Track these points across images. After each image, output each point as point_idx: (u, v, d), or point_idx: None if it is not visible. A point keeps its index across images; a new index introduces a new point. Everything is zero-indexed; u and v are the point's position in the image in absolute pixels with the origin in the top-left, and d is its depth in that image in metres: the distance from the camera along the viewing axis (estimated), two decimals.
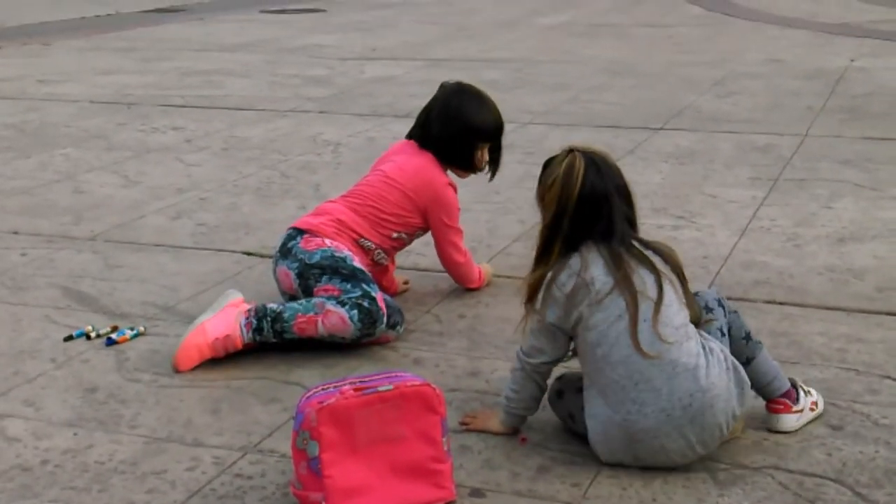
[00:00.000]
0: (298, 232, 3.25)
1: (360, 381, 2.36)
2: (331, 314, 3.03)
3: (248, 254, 4.05)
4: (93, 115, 6.73)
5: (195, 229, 4.38)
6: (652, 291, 2.43)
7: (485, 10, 12.84)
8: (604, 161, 2.53)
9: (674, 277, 2.50)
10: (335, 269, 3.13)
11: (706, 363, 2.43)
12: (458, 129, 3.36)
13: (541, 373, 2.56)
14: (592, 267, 2.44)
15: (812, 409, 2.65)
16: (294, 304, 3.09)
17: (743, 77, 7.76)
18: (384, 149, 5.58)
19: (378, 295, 3.10)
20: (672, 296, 2.46)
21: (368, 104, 6.93)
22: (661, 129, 6.08)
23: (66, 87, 7.72)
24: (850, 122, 6.15)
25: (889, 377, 2.92)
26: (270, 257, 3.99)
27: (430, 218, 3.38)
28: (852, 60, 8.35)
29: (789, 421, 2.60)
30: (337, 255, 3.16)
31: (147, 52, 9.49)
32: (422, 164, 3.36)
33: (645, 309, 2.41)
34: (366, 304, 3.05)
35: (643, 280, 2.44)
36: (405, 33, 10.74)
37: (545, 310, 2.49)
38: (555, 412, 2.64)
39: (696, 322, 2.53)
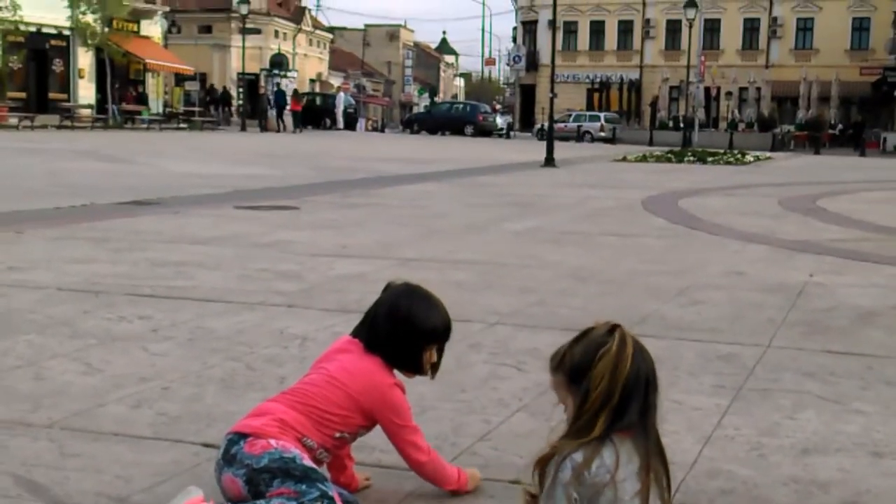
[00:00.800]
0: (240, 436, 3.15)
1: None
2: None
3: (208, 445, 3.98)
4: (59, 303, 6.71)
5: (155, 419, 4.32)
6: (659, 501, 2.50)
7: (454, 215, 13.14)
8: (643, 346, 2.63)
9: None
10: (286, 471, 3.04)
11: None
12: (407, 333, 3.30)
13: None
14: (624, 467, 2.45)
15: None
16: None
17: (706, 288, 7.92)
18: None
19: (335, 494, 3.05)
20: None
21: (337, 300, 6.98)
22: None
23: (34, 274, 7.74)
24: (811, 335, 6.26)
25: None
26: None
27: (380, 420, 3.32)
28: (811, 275, 8.57)
29: None
30: (285, 455, 3.07)
31: (119, 243, 9.58)
32: (367, 367, 3.31)
33: None
34: None
35: (654, 491, 2.49)
36: (375, 233, 10.94)
37: (570, 488, 2.45)
38: None
39: None
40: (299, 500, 2.97)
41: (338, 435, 3.28)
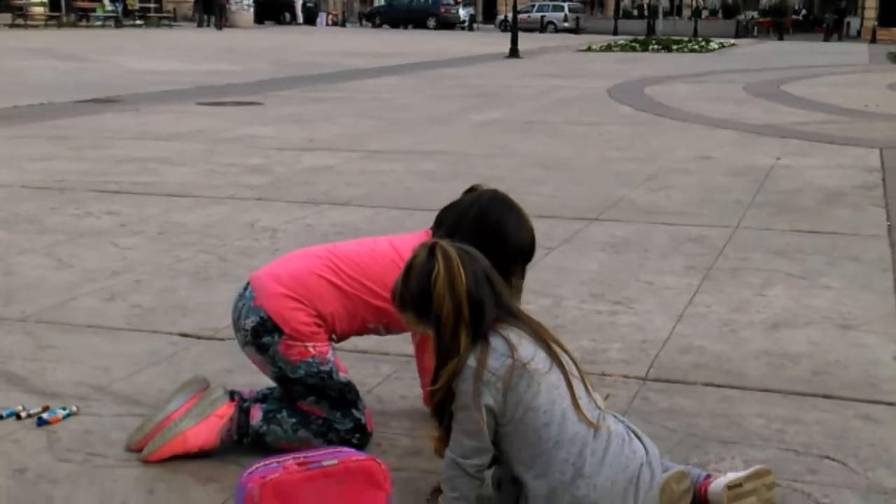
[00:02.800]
0: (275, 326, 2.83)
1: (304, 457, 2.33)
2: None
3: (184, 335, 3.99)
4: (24, 200, 6.63)
5: (129, 311, 4.31)
6: (575, 368, 2.49)
7: (418, 107, 13.02)
8: (467, 247, 2.55)
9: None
10: (322, 390, 2.88)
11: (625, 429, 2.50)
12: (500, 247, 2.84)
13: (482, 470, 2.47)
14: (521, 347, 2.42)
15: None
16: (278, 430, 2.89)
17: (674, 173, 7.94)
18: (323, 235, 5.68)
19: (366, 419, 2.93)
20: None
21: (306, 192, 6.94)
22: (596, 219, 6.17)
23: None
24: (778, 215, 6.31)
25: (827, 457, 2.95)
26: (207, 339, 3.96)
27: None
28: (778, 158, 8.61)
29: (719, 480, 2.59)
30: (322, 370, 2.86)
31: (80, 141, 9.43)
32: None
33: (575, 382, 2.45)
34: (355, 440, 2.87)
35: (561, 356, 2.48)
36: (341, 126, 10.84)
37: (479, 399, 2.40)
38: (496, 497, 2.61)
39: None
40: (327, 423, 2.87)
41: (371, 325, 2.97)
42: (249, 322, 2.87)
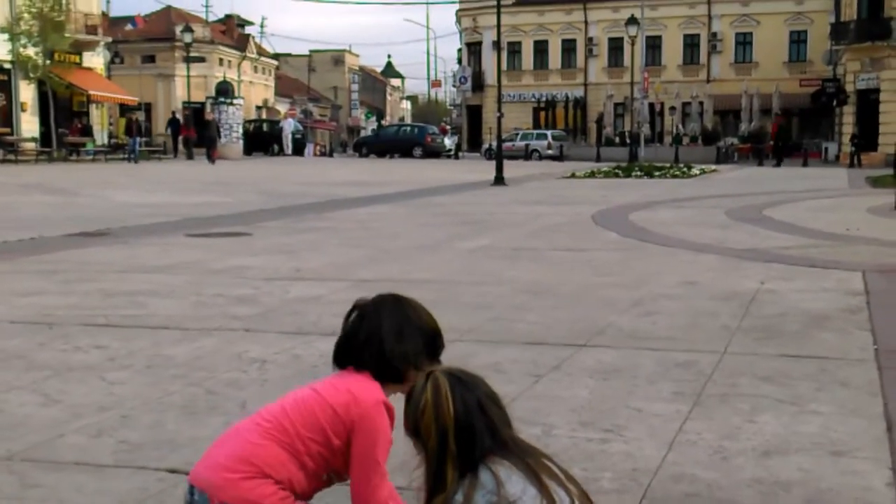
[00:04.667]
0: None
1: None
2: None
3: (173, 471, 3.95)
4: (12, 336, 6.62)
5: (117, 447, 4.27)
6: (564, 501, 2.43)
7: (406, 235, 13.16)
8: (464, 373, 2.55)
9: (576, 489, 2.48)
10: None
11: None
12: (409, 342, 2.94)
13: None
14: (510, 484, 2.38)
15: None
16: None
17: (660, 298, 8.00)
18: (311, 365, 5.67)
19: None
20: None
21: (294, 322, 6.96)
22: (584, 346, 6.19)
23: None
24: (765, 340, 6.35)
25: None
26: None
27: (353, 443, 2.84)
28: (762, 283, 8.69)
29: None
30: None
31: (69, 275, 9.47)
32: (354, 379, 2.91)
33: None
34: None
35: (556, 492, 2.41)
36: (330, 255, 10.92)
37: None
38: None
39: None
40: None
41: (324, 476, 2.92)
42: None
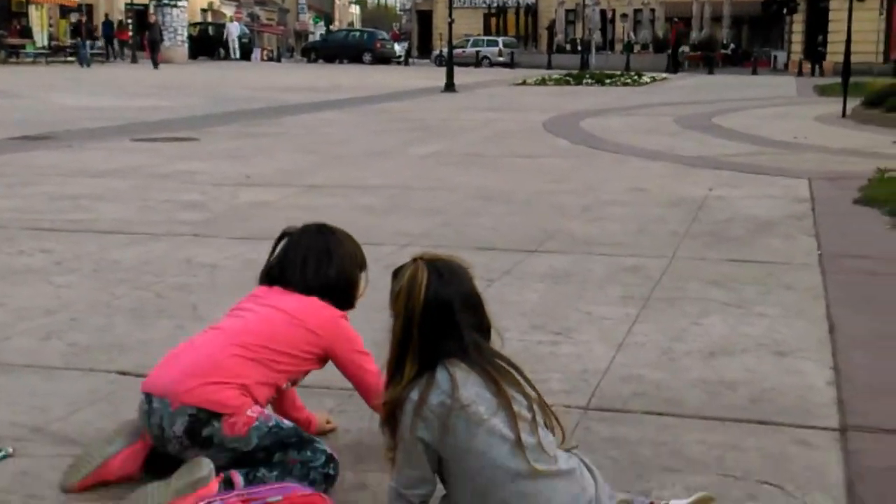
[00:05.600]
0: (210, 415, 2.81)
1: (248, 493, 2.31)
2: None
3: (123, 373, 3.94)
4: None
5: (66, 350, 4.24)
6: (526, 411, 2.42)
7: (357, 141, 13.05)
8: (448, 269, 2.52)
9: (534, 395, 2.48)
10: (281, 442, 2.84)
11: (578, 468, 2.46)
12: (341, 271, 3.17)
13: (426, 501, 2.47)
14: (466, 387, 2.39)
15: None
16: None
17: (610, 204, 8.04)
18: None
19: (329, 449, 2.91)
20: (542, 418, 2.46)
21: (244, 228, 6.91)
22: (535, 251, 6.22)
23: None
24: (713, 245, 6.42)
25: (766, 482, 2.99)
26: (146, 377, 3.89)
27: (339, 353, 3.07)
28: (711, 190, 8.76)
29: None
30: (270, 425, 2.84)
31: (13, 178, 9.29)
32: (315, 303, 3.10)
33: (524, 427, 2.39)
34: (331, 471, 2.85)
35: (516, 399, 2.41)
36: (279, 161, 10.82)
37: (416, 432, 2.40)
38: None
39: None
40: (305, 466, 2.82)
41: (286, 385, 3.07)
42: (179, 427, 2.82)
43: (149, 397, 2.90)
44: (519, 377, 2.49)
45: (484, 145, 12.77)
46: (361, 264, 3.28)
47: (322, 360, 3.10)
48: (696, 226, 7.10)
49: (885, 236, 6.84)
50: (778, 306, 4.99)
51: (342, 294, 3.20)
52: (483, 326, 2.54)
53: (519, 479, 2.37)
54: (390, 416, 2.47)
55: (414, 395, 2.41)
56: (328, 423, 3.36)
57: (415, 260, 2.52)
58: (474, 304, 2.52)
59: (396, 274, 2.55)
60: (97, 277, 5.53)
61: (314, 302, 3.09)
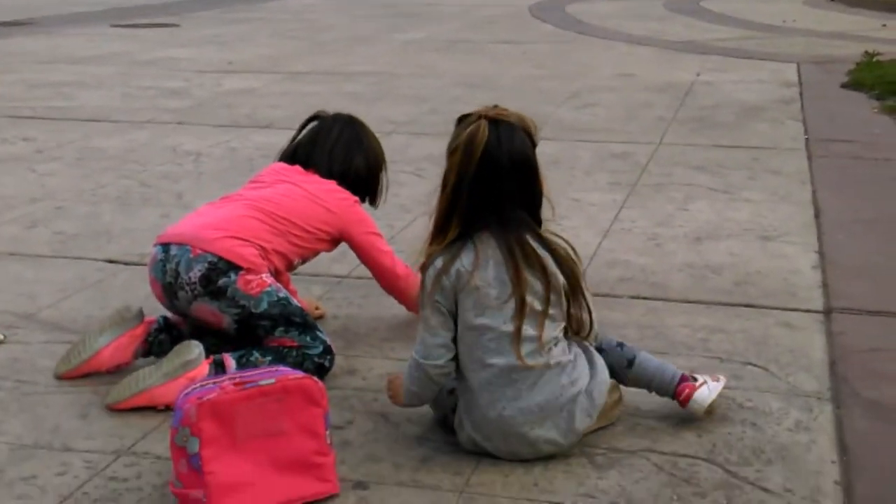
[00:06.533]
0: (229, 265, 2.83)
1: (241, 377, 2.33)
2: None
3: (111, 261, 3.94)
4: None
5: (52, 238, 4.23)
6: (538, 303, 2.40)
7: (341, 27, 12.83)
8: (509, 132, 2.41)
9: (563, 283, 2.44)
10: (287, 317, 2.86)
11: (573, 360, 2.48)
12: (369, 161, 3.23)
13: (445, 374, 2.48)
14: (484, 268, 2.38)
15: (715, 380, 2.69)
16: None
17: (597, 90, 7.97)
18: (247, 159, 5.60)
19: (329, 340, 2.92)
20: (556, 309, 2.44)
21: (228, 115, 6.83)
22: None
23: None
24: (700, 130, 6.40)
25: (751, 364, 3.04)
26: (134, 264, 3.90)
27: (354, 236, 3.10)
28: (698, 75, 8.69)
29: (703, 393, 2.62)
30: (281, 296, 2.87)
31: None
32: (333, 186, 3.13)
33: (530, 320, 2.39)
34: (327, 363, 2.87)
35: (532, 288, 2.39)
36: (262, 47, 10.64)
37: (434, 297, 2.41)
38: (432, 409, 2.64)
39: (578, 332, 2.52)
40: (301, 352, 2.85)
41: (297, 262, 3.10)
42: (196, 273, 2.84)
43: (166, 246, 2.92)
44: (550, 261, 2.42)
45: (469, 31, 12.58)
46: (384, 164, 3.32)
47: (335, 241, 3.13)
48: (684, 111, 7.05)
49: (872, 120, 6.82)
50: (764, 191, 4.99)
51: (364, 185, 3.25)
52: (535, 196, 2.47)
53: (509, 366, 2.40)
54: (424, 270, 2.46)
55: (438, 262, 2.41)
56: (317, 308, 3.38)
57: (479, 116, 2.43)
58: (528, 173, 2.43)
59: (461, 121, 2.47)
60: (81, 166, 5.48)
61: (332, 184, 3.14)
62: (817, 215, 4.61)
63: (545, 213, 2.53)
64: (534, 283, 2.40)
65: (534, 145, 2.48)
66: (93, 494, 2.30)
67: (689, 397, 2.63)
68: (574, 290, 2.47)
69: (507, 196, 2.40)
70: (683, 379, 2.65)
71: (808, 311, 3.49)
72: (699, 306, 3.52)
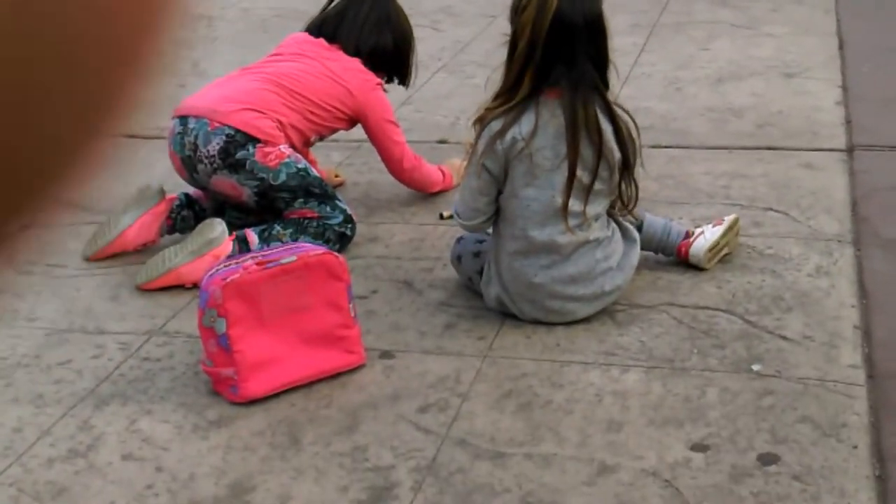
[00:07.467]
0: (247, 138, 2.83)
1: (263, 256, 2.36)
2: None
3: (130, 136, 3.94)
4: None
5: None
6: (587, 176, 2.39)
7: None
8: None
9: (618, 158, 2.42)
10: (306, 188, 2.86)
11: (610, 236, 2.49)
12: (400, 37, 3.14)
13: (480, 229, 2.53)
14: (541, 134, 2.36)
15: (718, 224, 2.71)
16: (279, 245, 2.75)
17: None
18: (261, 20, 5.52)
19: (350, 209, 2.94)
20: (603, 184, 2.42)
21: None
22: None
23: None
24: None
25: (771, 209, 3.04)
26: (154, 138, 3.90)
27: (371, 119, 3.05)
28: None
29: (699, 243, 2.65)
30: (300, 167, 2.87)
31: None
32: (357, 66, 3.05)
33: (577, 193, 2.38)
34: (349, 231, 2.89)
35: (584, 160, 2.37)
36: None
37: (484, 160, 2.40)
38: (457, 273, 2.68)
39: (625, 205, 2.52)
40: (322, 223, 2.86)
41: (313, 138, 3.09)
42: (214, 146, 2.84)
43: (184, 119, 2.92)
44: (610, 134, 2.40)
45: None
46: (413, 44, 3.21)
47: (351, 121, 3.09)
48: None
49: None
50: (787, 24, 4.88)
51: (392, 65, 3.17)
52: (602, 58, 2.43)
53: (548, 240, 2.41)
54: (481, 126, 2.44)
55: (495, 125, 2.39)
56: (336, 176, 3.39)
57: None
58: (599, 33, 2.40)
59: None
60: None
61: (356, 63, 3.05)
62: (841, 46, 4.51)
63: (611, 77, 2.49)
64: (587, 154, 2.38)
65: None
66: (128, 375, 2.38)
67: (688, 253, 2.65)
68: (628, 167, 2.46)
69: (581, 53, 2.35)
70: (686, 236, 2.67)
71: (830, 150, 3.45)
72: (720, 152, 3.49)
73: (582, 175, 2.39)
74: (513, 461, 1.99)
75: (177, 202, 3.04)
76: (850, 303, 2.50)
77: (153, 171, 3.47)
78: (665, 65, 4.41)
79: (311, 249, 2.37)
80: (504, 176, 2.42)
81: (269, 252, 2.39)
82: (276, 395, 2.25)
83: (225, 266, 2.34)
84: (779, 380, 2.20)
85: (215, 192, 2.99)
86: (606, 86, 2.46)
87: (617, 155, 2.42)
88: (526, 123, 2.37)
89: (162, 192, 3.01)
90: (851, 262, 2.70)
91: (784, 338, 2.36)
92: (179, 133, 2.91)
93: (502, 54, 2.44)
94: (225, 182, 2.89)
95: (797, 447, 1.97)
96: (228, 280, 2.26)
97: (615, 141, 2.42)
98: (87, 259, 2.94)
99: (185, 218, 3.03)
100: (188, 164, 2.92)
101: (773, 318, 2.44)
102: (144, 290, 2.76)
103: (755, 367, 2.25)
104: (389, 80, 3.21)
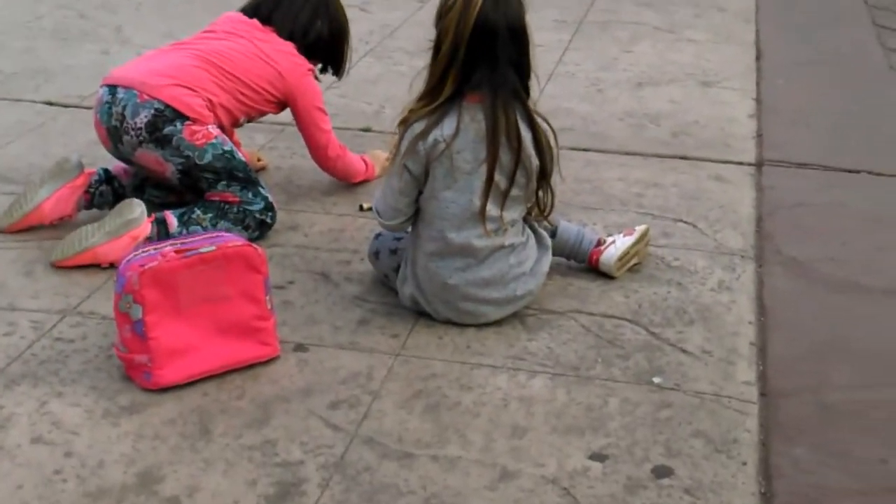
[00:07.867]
0: (176, 114, 2.83)
1: (182, 244, 2.37)
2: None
3: (51, 104, 3.90)
4: None
5: None
6: (504, 181, 2.43)
7: None
8: None
9: (536, 165, 2.46)
10: (230, 171, 2.87)
11: (525, 242, 2.55)
12: (336, 25, 3.16)
13: (398, 230, 2.57)
14: (462, 137, 2.39)
15: (629, 234, 2.80)
16: (198, 230, 2.81)
17: None
18: None
19: (271, 197, 2.95)
20: (520, 190, 2.47)
21: None
22: None
23: None
24: None
25: (681, 220, 3.13)
26: (74, 107, 3.86)
27: (300, 105, 3.06)
28: None
29: (609, 252, 2.73)
30: (226, 149, 2.88)
31: None
32: (289, 49, 3.06)
33: (494, 198, 2.43)
34: (268, 219, 2.91)
35: (502, 165, 2.42)
36: None
37: (406, 161, 2.44)
38: (373, 268, 2.72)
39: (541, 212, 2.56)
40: (242, 209, 2.87)
41: (242, 120, 3.07)
42: (142, 118, 2.82)
43: (112, 89, 2.90)
44: (529, 142, 2.44)
45: None
46: (348, 35, 3.23)
47: (281, 105, 3.09)
48: None
49: None
50: (708, 30, 5.01)
51: (325, 53, 3.18)
52: (524, 65, 2.45)
53: (465, 243, 2.46)
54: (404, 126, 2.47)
55: (417, 126, 2.42)
56: (259, 160, 3.40)
57: None
58: (521, 39, 2.42)
59: None
60: None
61: (289, 47, 3.06)
62: (759, 57, 4.65)
63: (532, 86, 2.52)
64: (505, 160, 2.42)
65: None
66: (40, 356, 2.37)
67: (598, 261, 2.74)
68: (545, 174, 2.51)
69: (503, 57, 2.39)
70: (598, 244, 2.75)
71: (740, 163, 3.57)
72: (636, 158, 3.59)
73: (499, 180, 2.44)
74: (419, 462, 2.05)
75: (95, 177, 3.02)
76: (749, 319, 2.61)
77: (74, 141, 3.45)
78: (589, 64, 4.49)
79: (230, 240, 2.39)
80: (425, 177, 2.47)
81: (189, 240, 2.40)
82: (189, 384, 2.27)
83: (143, 252, 2.35)
84: (677, 393, 2.29)
85: (139, 166, 2.98)
86: (528, 93, 2.49)
87: (535, 162, 2.47)
88: (448, 125, 2.41)
89: (81, 166, 2.99)
90: (752, 278, 2.81)
91: (684, 351, 2.46)
92: (107, 102, 2.89)
93: (430, 40, 2.46)
94: (149, 156, 2.88)
95: (690, 461, 2.07)
96: (146, 267, 2.26)
97: (534, 148, 2.46)
98: (2, 230, 2.91)
99: (102, 193, 3.02)
100: (113, 135, 2.90)
101: (676, 331, 2.54)
102: (59, 267, 2.75)
103: (656, 380, 2.34)
104: (324, 70, 3.23)
